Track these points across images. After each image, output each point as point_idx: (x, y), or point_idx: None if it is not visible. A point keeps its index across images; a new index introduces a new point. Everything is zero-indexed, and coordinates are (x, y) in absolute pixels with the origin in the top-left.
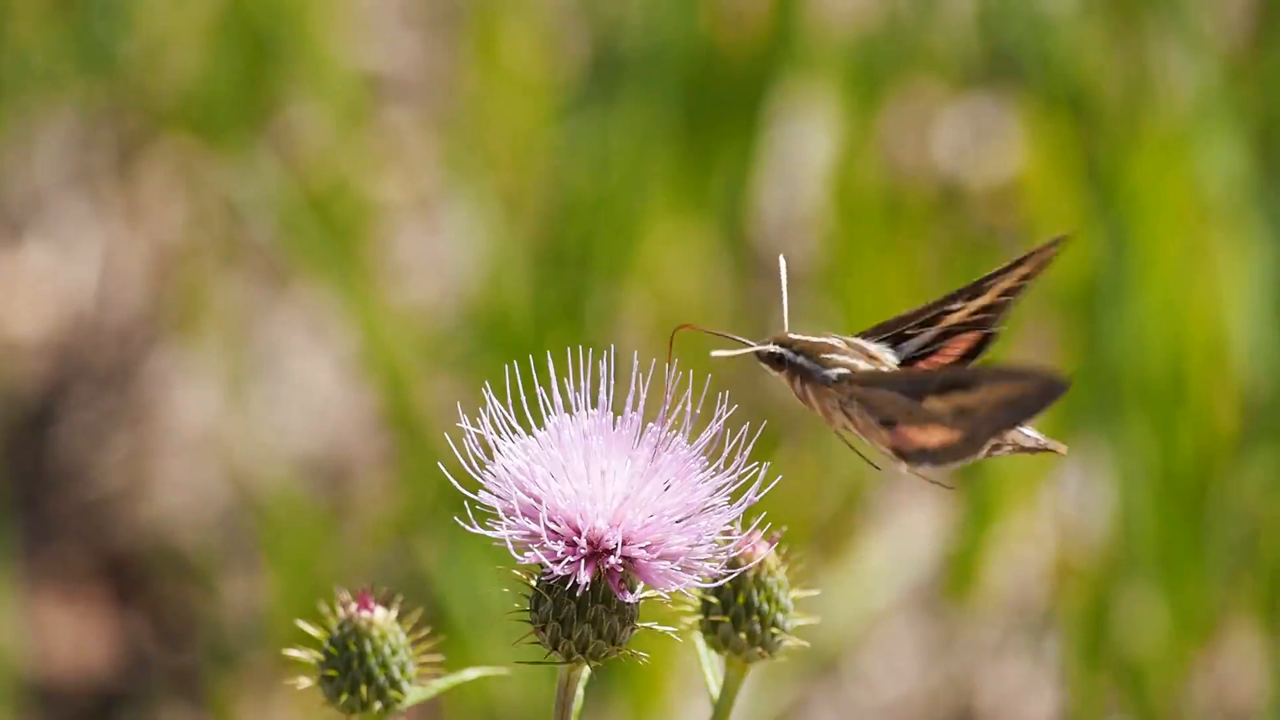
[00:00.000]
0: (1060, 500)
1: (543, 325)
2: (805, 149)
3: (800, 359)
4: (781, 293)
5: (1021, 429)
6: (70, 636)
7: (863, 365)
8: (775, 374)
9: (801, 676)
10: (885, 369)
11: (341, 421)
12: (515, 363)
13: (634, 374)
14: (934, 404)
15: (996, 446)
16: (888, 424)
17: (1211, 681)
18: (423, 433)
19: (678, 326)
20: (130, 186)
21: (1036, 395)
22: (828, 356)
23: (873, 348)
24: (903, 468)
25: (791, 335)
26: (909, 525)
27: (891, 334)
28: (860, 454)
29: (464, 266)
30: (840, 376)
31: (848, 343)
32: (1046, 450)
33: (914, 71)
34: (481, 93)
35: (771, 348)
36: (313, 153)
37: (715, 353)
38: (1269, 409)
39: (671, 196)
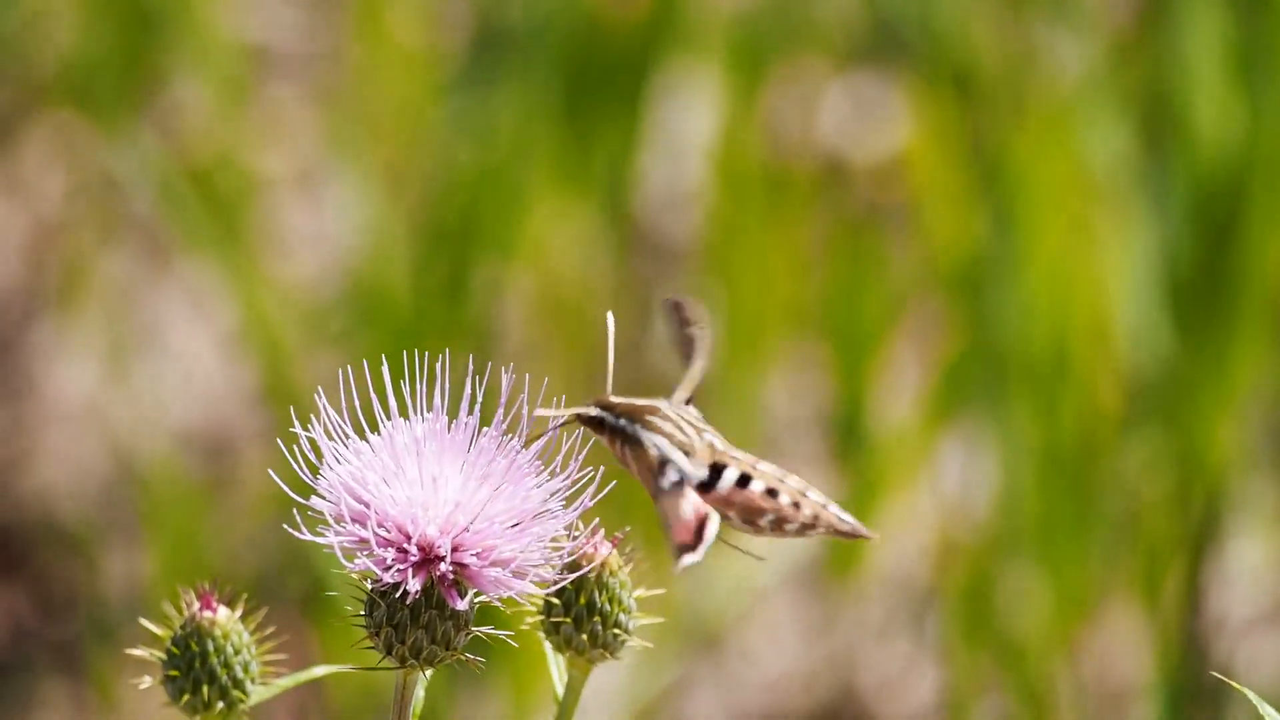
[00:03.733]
0: (944, 479)
1: (424, 301)
2: (689, 125)
3: (621, 422)
4: (609, 355)
5: (837, 512)
6: None
7: (690, 432)
8: (597, 436)
9: (683, 655)
10: (709, 439)
11: (222, 396)
12: (349, 368)
13: (469, 377)
14: None
15: (810, 526)
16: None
17: (1093, 659)
18: (302, 407)
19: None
20: (9, 160)
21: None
22: (651, 419)
23: (695, 415)
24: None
25: (613, 399)
26: None
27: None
28: None
29: (346, 241)
30: (656, 445)
31: (673, 408)
32: (859, 536)
33: (799, 47)
34: (365, 66)
35: (592, 411)
36: (194, 126)
37: (539, 412)
38: (1151, 388)
39: (555, 173)
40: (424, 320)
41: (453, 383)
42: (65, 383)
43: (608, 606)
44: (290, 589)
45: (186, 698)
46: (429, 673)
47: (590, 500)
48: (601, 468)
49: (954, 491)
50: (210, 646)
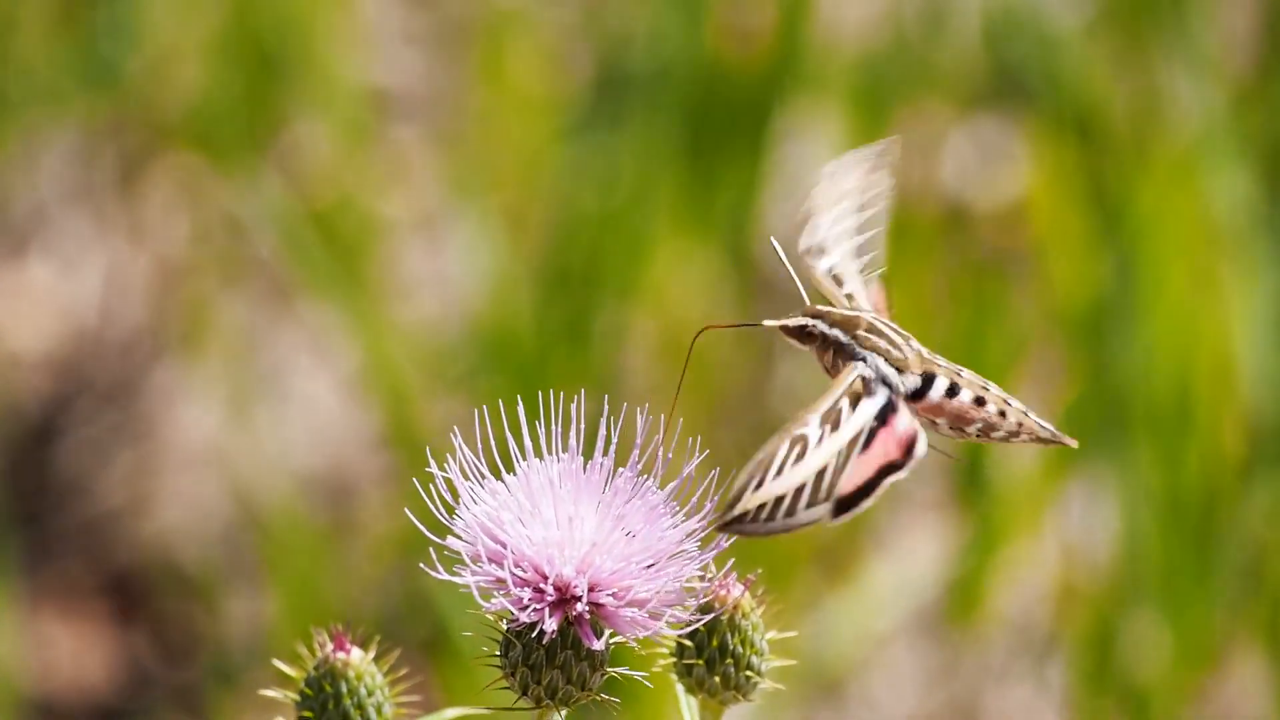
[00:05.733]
0: (1065, 524)
1: (547, 345)
2: (811, 169)
3: (835, 331)
4: (790, 272)
5: (1038, 420)
6: (71, 653)
7: (899, 341)
8: (802, 347)
9: (805, 699)
10: (916, 348)
11: (344, 439)
12: (485, 407)
13: (604, 418)
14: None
15: (1014, 434)
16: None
17: (1216, 708)
18: (425, 451)
19: (703, 328)
20: (133, 202)
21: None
22: (861, 334)
23: (896, 326)
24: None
25: (820, 307)
26: (913, 548)
27: None
28: None
29: (468, 285)
30: (871, 364)
31: (875, 319)
32: (1059, 443)
33: (920, 91)
34: (486, 110)
35: (801, 320)
36: (317, 169)
37: (766, 322)
38: (1275, 435)
39: (677, 216)
40: (547, 364)
41: (585, 424)
42: (187, 425)
43: (740, 649)
44: (411, 633)
45: None
46: (564, 713)
47: (725, 541)
48: None
49: (1076, 537)
50: (344, 688)
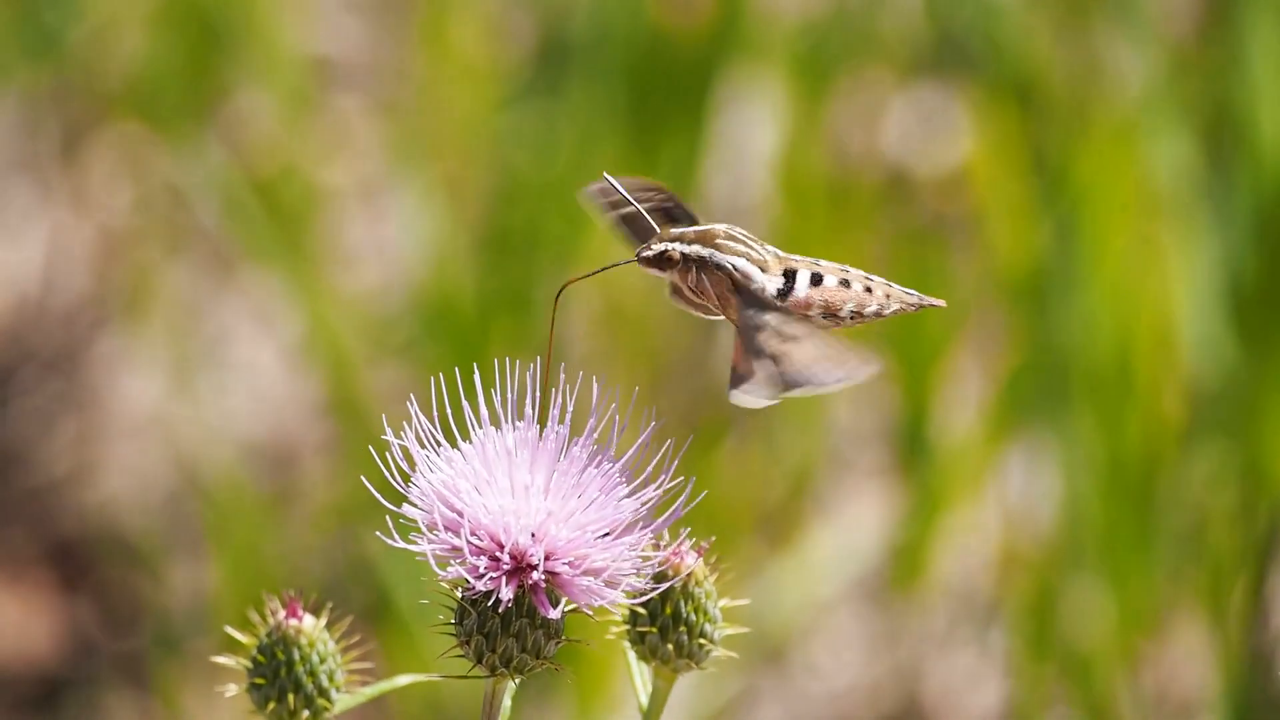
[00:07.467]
0: (1007, 491)
1: (488, 312)
2: (752, 136)
3: (694, 248)
4: (636, 207)
5: (903, 289)
6: (15, 622)
7: (755, 245)
8: (664, 275)
9: (748, 666)
10: (771, 250)
11: (286, 407)
12: (440, 375)
13: (560, 386)
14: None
15: (884, 307)
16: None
17: (1157, 672)
18: (367, 419)
19: (565, 283)
20: (76, 172)
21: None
22: (720, 242)
23: (741, 230)
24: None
25: (674, 230)
26: (856, 515)
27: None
28: None
29: (410, 253)
30: (734, 265)
31: (728, 228)
32: (929, 304)
33: (862, 59)
34: (428, 78)
35: (662, 246)
36: (259, 138)
37: (622, 262)
38: (1215, 400)
39: None
40: (488, 331)
41: (540, 391)
42: (130, 394)
43: (693, 616)
44: (354, 600)
45: (272, 705)
46: (517, 682)
47: (681, 510)
48: (693, 478)
49: (1017, 503)
50: (296, 655)
